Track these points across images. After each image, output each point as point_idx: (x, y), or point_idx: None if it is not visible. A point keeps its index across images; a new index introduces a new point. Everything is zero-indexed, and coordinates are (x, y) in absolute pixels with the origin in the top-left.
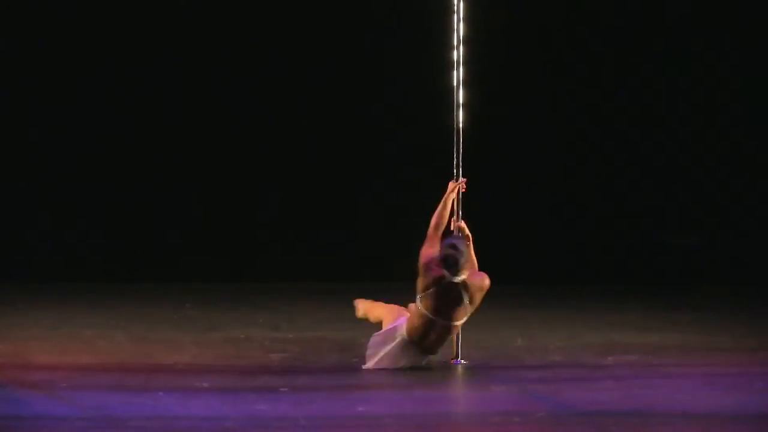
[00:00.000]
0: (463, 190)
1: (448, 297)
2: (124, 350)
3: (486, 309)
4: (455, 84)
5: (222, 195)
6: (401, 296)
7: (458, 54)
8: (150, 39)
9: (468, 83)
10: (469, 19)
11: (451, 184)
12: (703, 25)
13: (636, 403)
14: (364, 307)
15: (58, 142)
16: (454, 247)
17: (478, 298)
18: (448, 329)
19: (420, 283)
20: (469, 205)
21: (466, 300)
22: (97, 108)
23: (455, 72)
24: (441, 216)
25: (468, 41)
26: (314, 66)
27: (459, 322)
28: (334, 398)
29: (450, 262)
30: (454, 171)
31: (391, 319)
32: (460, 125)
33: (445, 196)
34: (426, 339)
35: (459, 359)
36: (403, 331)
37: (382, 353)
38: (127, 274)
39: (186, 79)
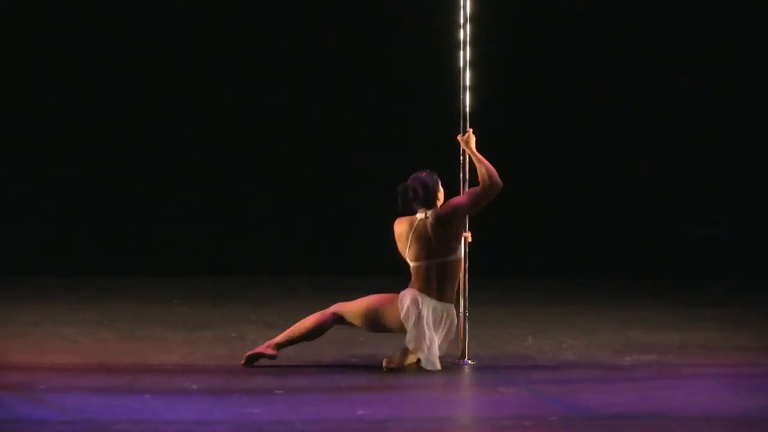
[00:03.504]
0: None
1: (418, 239)
2: (109, 349)
3: (494, 305)
4: (462, 65)
5: (214, 187)
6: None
7: (465, 33)
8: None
9: (475, 64)
10: None
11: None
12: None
13: (654, 405)
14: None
15: (46, 133)
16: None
17: (452, 223)
18: (444, 266)
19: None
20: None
21: (432, 235)
22: (89, 98)
23: (462, 52)
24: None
25: (475, 19)
26: (317, 52)
27: (447, 257)
28: (333, 400)
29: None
30: (460, 158)
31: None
32: (467, 108)
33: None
34: (430, 284)
35: (466, 359)
36: (411, 292)
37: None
38: (113, 268)
39: (184, 75)
